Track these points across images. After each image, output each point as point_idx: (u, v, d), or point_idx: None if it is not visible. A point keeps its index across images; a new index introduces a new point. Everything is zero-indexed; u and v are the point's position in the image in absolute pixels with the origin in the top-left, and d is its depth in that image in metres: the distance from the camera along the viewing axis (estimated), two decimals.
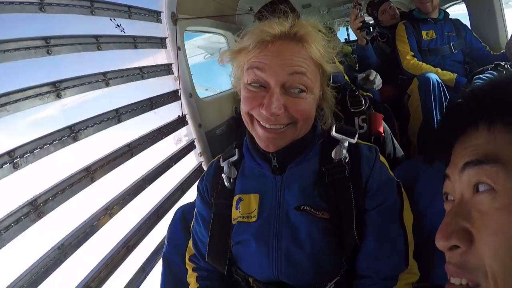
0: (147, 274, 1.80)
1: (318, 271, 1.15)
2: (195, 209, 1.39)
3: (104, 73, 1.70)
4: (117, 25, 1.80)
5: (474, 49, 3.30)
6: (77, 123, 1.52)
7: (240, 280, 1.25)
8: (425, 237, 1.25)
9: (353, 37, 5.91)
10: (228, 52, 1.20)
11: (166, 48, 2.25)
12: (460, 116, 0.67)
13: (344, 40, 6.98)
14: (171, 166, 2.11)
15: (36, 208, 1.29)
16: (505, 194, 0.56)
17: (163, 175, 2.03)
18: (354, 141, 1.21)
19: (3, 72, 1.34)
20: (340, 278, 1.16)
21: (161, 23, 2.20)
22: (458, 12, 3.94)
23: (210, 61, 5.15)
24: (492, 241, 0.55)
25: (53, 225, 1.40)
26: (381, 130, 1.83)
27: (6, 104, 1.25)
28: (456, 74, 3.07)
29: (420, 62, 3.27)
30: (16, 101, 1.29)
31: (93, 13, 1.65)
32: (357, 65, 4.07)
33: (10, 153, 1.24)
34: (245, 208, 1.22)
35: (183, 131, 2.39)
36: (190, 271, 1.38)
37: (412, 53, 3.33)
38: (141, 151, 1.87)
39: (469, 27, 3.43)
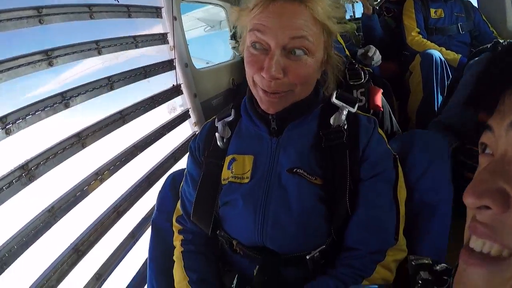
0: (137, 240, 1.85)
1: (304, 237, 1.13)
2: (185, 170, 1.39)
3: (96, 41, 1.71)
4: None
5: (482, 32, 3.23)
6: (69, 90, 1.55)
7: (224, 242, 1.25)
8: (414, 213, 1.27)
9: (358, 14, 5.78)
10: (233, 11, 1.19)
11: (161, 18, 2.24)
12: None
13: (349, 18, 6.88)
14: (164, 135, 2.15)
15: (28, 172, 1.33)
16: None
17: (155, 143, 2.07)
18: (353, 110, 1.20)
19: None
20: (325, 247, 1.14)
21: None
22: None
23: (212, 34, 5.09)
24: None
25: (44, 189, 1.44)
26: (380, 104, 1.83)
27: None
28: (460, 55, 3.01)
29: (425, 40, 3.21)
30: (9, 69, 1.31)
31: None
32: (361, 43, 4.02)
33: (2, 119, 1.27)
34: (238, 169, 1.21)
35: (178, 100, 2.42)
36: (176, 233, 1.37)
37: (418, 30, 3.27)
38: (134, 119, 1.91)
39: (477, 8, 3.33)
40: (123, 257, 1.75)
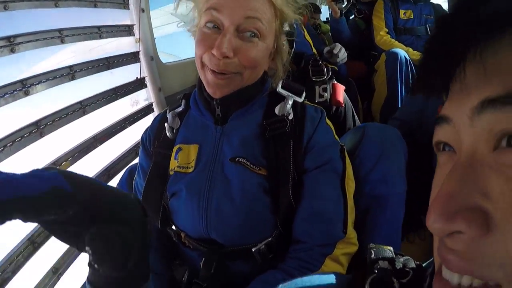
0: None
1: (249, 229, 1.13)
2: (138, 162, 1.38)
3: (60, 30, 1.68)
4: None
5: None
6: (29, 78, 1.51)
7: (173, 235, 1.25)
8: (365, 207, 1.29)
9: None
10: None
11: (128, 9, 2.21)
12: (486, 10, 0.38)
13: (325, 20, 6.97)
14: (125, 127, 2.12)
15: None
16: None
17: (116, 135, 2.04)
18: (300, 99, 1.21)
19: None
20: (272, 240, 1.13)
21: None
22: None
23: (184, 31, 5.00)
24: None
25: None
26: (341, 100, 1.87)
27: None
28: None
29: (393, 40, 3.29)
30: None
31: None
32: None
33: None
34: (183, 158, 1.20)
35: (141, 94, 2.39)
36: None
37: (387, 30, 3.34)
38: (94, 110, 1.87)
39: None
40: (81, 252, 1.69)
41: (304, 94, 1.22)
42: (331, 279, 0.65)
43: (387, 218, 1.30)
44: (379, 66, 3.14)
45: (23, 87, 1.48)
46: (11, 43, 1.43)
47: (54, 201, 0.45)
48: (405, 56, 2.93)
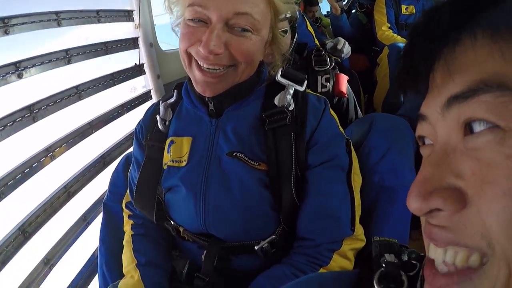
0: (89, 223, 1.79)
1: (250, 226, 1.10)
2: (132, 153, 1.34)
3: (56, 13, 1.62)
4: None
5: None
6: (23, 60, 1.46)
7: (171, 230, 1.23)
8: (373, 198, 1.26)
9: None
10: None
11: None
12: (442, 20, 0.45)
13: (326, 13, 6.90)
14: (122, 114, 2.08)
15: None
16: None
17: (113, 122, 2.00)
18: (301, 88, 1.14)
19: None
20: (275, 237, 1.10)
21: None
22: None
23: None
24: (501, 204, 0.36)
25: None
26: (344, 90, 1.84)
27: None
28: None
29: (395, 35, 3.26)
30: None
31: None
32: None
33: None
34: (176, 152, 1.16)
35: (140, 80, 2.34)
36: (126, 218, 1.34)
37: (389, 25, 3.32)
38: (91, 95, 1.83)
39: None
40: (74, 241, 1.68)
41: (305, 83, 1.16)
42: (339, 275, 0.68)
43: (396, 211, 1.26)
44: (381, 59, 3.11)
45: (16, 70, 1.43)
46: (5, 25, 1.38)
47: None
48: None
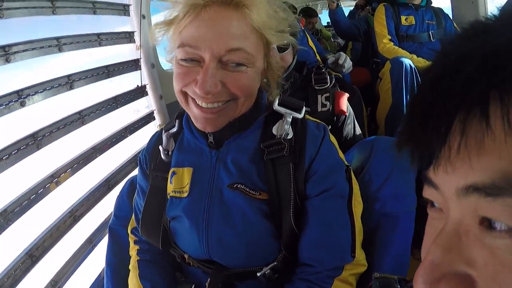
0: (95, 246, 1.79)
1: (252, 254, 1.09)
2: (137, 180, 1.33)
3: (57, 38, 1.64)
4: None
5: None
6: (24, 88, 1.47)
7: (176, 256, 1.23)
8: (375, 225, 1.24)
9: None
10: (159, 25, 1.02)
11: (129, 15, 2.18)
12: (456, 92, 0.36)
13: (326, 24, 6.94)
14: (126, 136, 2.08)
15: None
16: None
17: (116, 145, 2.00)
18: (300, 115, 1.11)
19: None
20: (277, 264, 1.09)
21: None
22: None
23: None
24: None
25: None
26: (344, 109, 1.82)
27: None
28: (431, 62, 2.98)
29: (396, 47, 3.22)
30: None
31: None
32: (336, 50, 4.15)
33: None
34: (178, 183, 1.14)
35: (142, 101, 2.35)
36: (132, 243, 1.34)
37: (389, 37, 3.27)
38: (93, 120, 1.83)
39: (451, 17, 3.38)
40: (80, 264, 1.69)
41: (304, 110, 1.13)
42: None
43: (397, 236, 1.24)
44: (383, 74, 3.07)
45: (19, 98, 1.44)
46: (6, 53, 1.39)
47: None
48: (410, 65, 2.87)
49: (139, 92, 2.26)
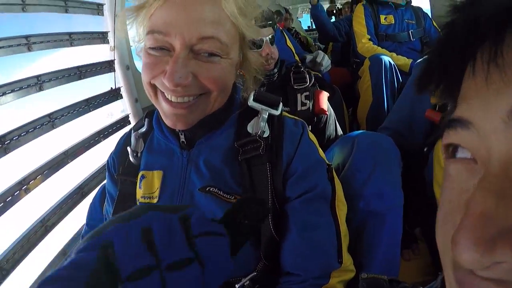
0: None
1: None
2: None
3: (26, 37, 1.56)
4: None
5: (433, 39, 3.26)
6: None
7: None
8: (360, 224, 1.20)
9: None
10: (128, 10, 0.95)
11: (103, 15, 2.10)
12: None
13: (307, 28, 7.00)
14: (99, 141, 1.99)
15: None
16: None
17: (89, 150, 1.91)
18: (277, 112, 1.06)
19: None
20: (256, 274, 0.99)
21: None
22: None
23: None
24: None
25: None
26: (325, 108, 1.79)
27: None
28: (412, 60, 3.01)
29: (375, 46, 3.23)
30: None
31: None
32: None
33: None
34: (147, 187, 1.07)
35: (117, 105, 2.27)
36: None
37: (369, 36, 3.28)
38: (65, 123, 1.75)
39: (430, 16, 3.41)
40: None
41: (281, 106, 1.09)
42: None
43: (385, 236, 1.21)
44: (363, 72, 3.05)
45: None
46: None
47: None
48: (389, 61, 2.86)
49: (113, 95, 2.17)
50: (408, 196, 1.25)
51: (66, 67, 1.82)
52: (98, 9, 2.07)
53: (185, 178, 1.03)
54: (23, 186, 1.49)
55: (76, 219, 1.78)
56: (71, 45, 1.83)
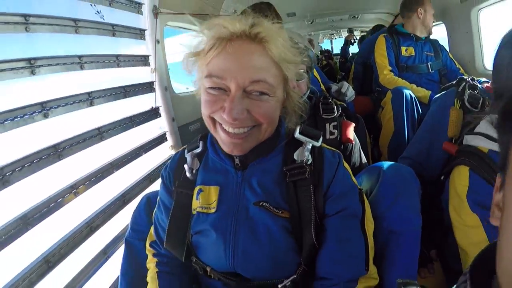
0: (108, 257, 1.82)
1: (274, 267, 1.16)
2: (158, 196, 1.39)
3: (79, 56, 1.73)
4: (97, 12, 1.84)
5: (450, 70, 3.37)
6: (48, 101, 1.54)
7: (198, 268, 1.27)
8: (383, 241, 1.31)
9: (336, 50, 6.16)
10: (188, 55, 1.13)
11: (144, 40, 2.29)
12: None
13: (324, 49, 7.12)
14: (140, 155, 2.15)
15: (2, 177, 1.32)
16: None
17: (132, 162, 2.06)
18: (318, 144, 1.20)
19: None
20: (296, 276, 1.16)
21: (142, 14, 2.25)
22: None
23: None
24: None
25: (17, 196, 1.42)
26: (351, 137, 1.89)
27: None
28: (431, 92, 3.11)
29: (397, 77, 3.32)
30: None
31: None
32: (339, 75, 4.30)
33: None
34: (204, 199, 1.21)
35: (156, 122, 2.43)
36: (150, 256, 1.38)
37: (390, 68, 3.38)
38: (111, 137, 1.91)
39: (447, 48, 3.50)
40: (94, 273, 1.71)
41: (321, 139, 1.22)
42: None
43: (403, 253, 1.32)
44: (385, 103, 3.17)
45: (42, 110, 1.51)
46: (32, 65, 1.47)
47: None
48: (410, 94, 2.98)
49: (153, 114, 2.34)
50: (426, 220, 1.35)
51: (113, 86, 1.99)
52: (140, 34, 2.25)
53: (239, 194, 1.18)
54: (73, 190, 1.63)
55: (118, 223, 1.91)
56: (118, 66, 2.01)
